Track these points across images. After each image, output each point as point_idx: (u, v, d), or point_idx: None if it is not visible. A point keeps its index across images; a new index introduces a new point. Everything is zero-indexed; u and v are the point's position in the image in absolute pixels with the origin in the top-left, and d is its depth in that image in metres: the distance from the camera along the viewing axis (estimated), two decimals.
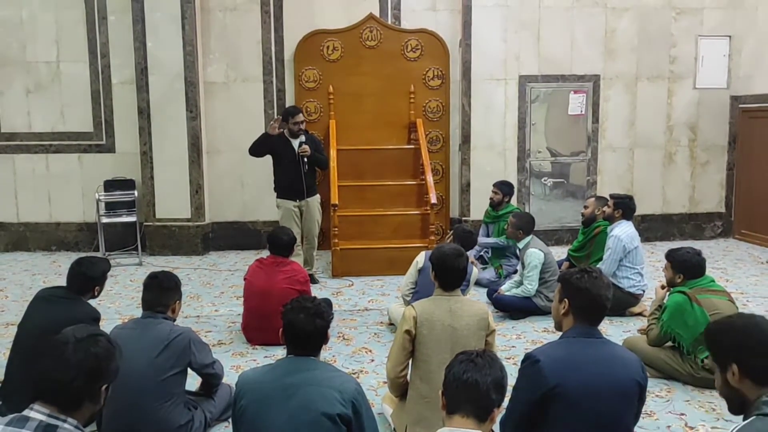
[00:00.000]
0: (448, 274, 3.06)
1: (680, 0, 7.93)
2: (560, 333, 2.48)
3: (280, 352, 4.36)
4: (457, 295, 3.07)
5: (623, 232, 5.19)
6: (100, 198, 7.34)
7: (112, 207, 7.47)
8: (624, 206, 5.31)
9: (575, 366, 2.23)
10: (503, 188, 6.45)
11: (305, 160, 6.04)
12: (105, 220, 7.39)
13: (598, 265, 5.23)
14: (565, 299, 2.41)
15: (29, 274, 6.82)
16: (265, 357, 4.32)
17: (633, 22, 7.91)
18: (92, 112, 7.74)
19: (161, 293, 3.17)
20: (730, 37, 8.06)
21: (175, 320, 3.23)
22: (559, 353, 2.29)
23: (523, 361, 2.33)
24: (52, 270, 6.96)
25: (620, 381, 2.26)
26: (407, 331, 2.98)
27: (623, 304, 5.11)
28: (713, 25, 8.02)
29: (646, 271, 5.43)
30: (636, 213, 7.35)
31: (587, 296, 2.34)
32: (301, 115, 6.16)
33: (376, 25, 7.69)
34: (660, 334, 3.84)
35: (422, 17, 7.84)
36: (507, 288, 5.21)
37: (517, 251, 5.58)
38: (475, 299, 4.64)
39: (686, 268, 3.86)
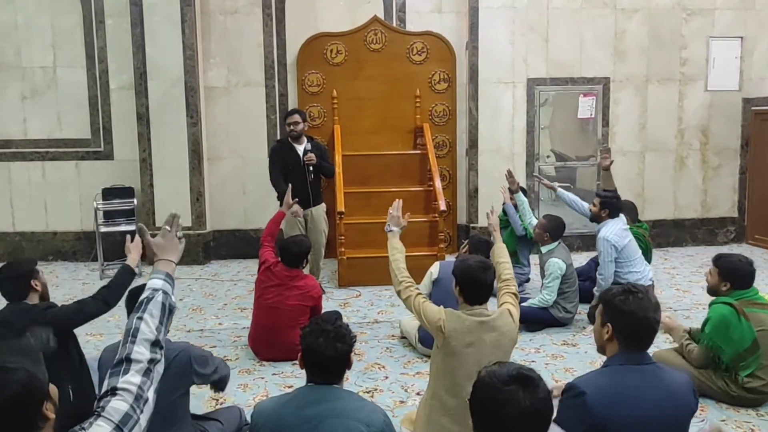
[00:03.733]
0: (474, 289, 2.93)
1: (691, 1, 7.77)
2: (599, 354, 2.28)
3: (288, 369, 4.17)
4: (484, 308, 2.94)
5: (609, 231, 5.02)
6: (98, 206, 7.13)
7: (110, 216, 7.27)
8: (610, 206, 5.13)
9: (624, 398, 2.02)
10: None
11: (311, 168, 5.85)
12: (103, 229, 7.18)
13: (598, 274, 5.05)
14: (608, 324, 2.17)
15: None
16: (273, 374, 4.12)
17: (643, 23, 7.74)
18: (90, 119, 7.54)
19: None
20: (741, 38, 7.90)
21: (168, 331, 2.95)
22: (606, 384, 2.06)
23: (565, 391, 2.11)
24: (50, 281, 6.67)
25: (673, 413, 2.05)
26: (438, 318, 2.88)
27: None
28: (725, 26, 7.87)
29: (657, 273, 5.23)
30: (648, 218, 7.25)
31: (633, 320, 2.12)
32: (296, 116, 5.95)
33: (381, 28, 7.52)
34: (705, 351, 3.55)
35: (427, 19, 7.67)
36: (528, 305, 4.98)
37: (535, 255, 5.37)
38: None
39: (735, 277, 3.60)
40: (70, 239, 7.68)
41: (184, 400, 2.91)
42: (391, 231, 3.31)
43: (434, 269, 4.41)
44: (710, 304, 3.65)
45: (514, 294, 3.07)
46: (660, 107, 7.90)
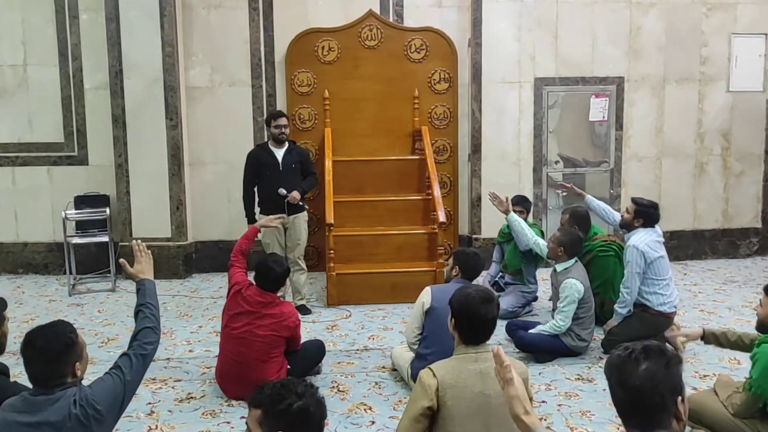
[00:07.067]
0: (474, 326, 2.46)
1: None
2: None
3: None
4: (485, 351, 2.44)
5: (640, 240, 4.43)
6: (68, 216, 6.57)
7: (83, 226, 6.72)
8: (646, 216, 4.54)
9: None
10: (523, 203, 5.71)
11: (299, 202, 5.53)
12: (76, 240, 6.64)
13: (622, 287, 4.45)
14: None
15: None
16: (242, 417, 3.55)
17: (660, 18, 7.21)
18: (63, 121, 7.04)
19: (48, 363, 2.23)
20: (766, 35, 7.38)
21: (81, 379, 2.34)
22: None
23: None
24: (14, 297, 6.18)
25: None
26: (428, 408, 2.33)
27: (654, 327, 4.37)
28: (748, 21, 7.33)
29: (678, 292, 4.69)
30: (665, 229, 6.65)
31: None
32: (284, 118, 5.60)
33: (377, 23, 7.00)
34: (750, 399, 2.95)
35: (427, 14, 7.16)
36: (537, 331, 4.41)
37: (542, 270, 4.79)
38: (494, 344, 3.89)
39: None
40: (42, 251, 7.15)
41: None
42: None
43: (426, 297, 3.81)
44: (757, 343, 3.04)
45: None
46: (678, 109, 7.36)
